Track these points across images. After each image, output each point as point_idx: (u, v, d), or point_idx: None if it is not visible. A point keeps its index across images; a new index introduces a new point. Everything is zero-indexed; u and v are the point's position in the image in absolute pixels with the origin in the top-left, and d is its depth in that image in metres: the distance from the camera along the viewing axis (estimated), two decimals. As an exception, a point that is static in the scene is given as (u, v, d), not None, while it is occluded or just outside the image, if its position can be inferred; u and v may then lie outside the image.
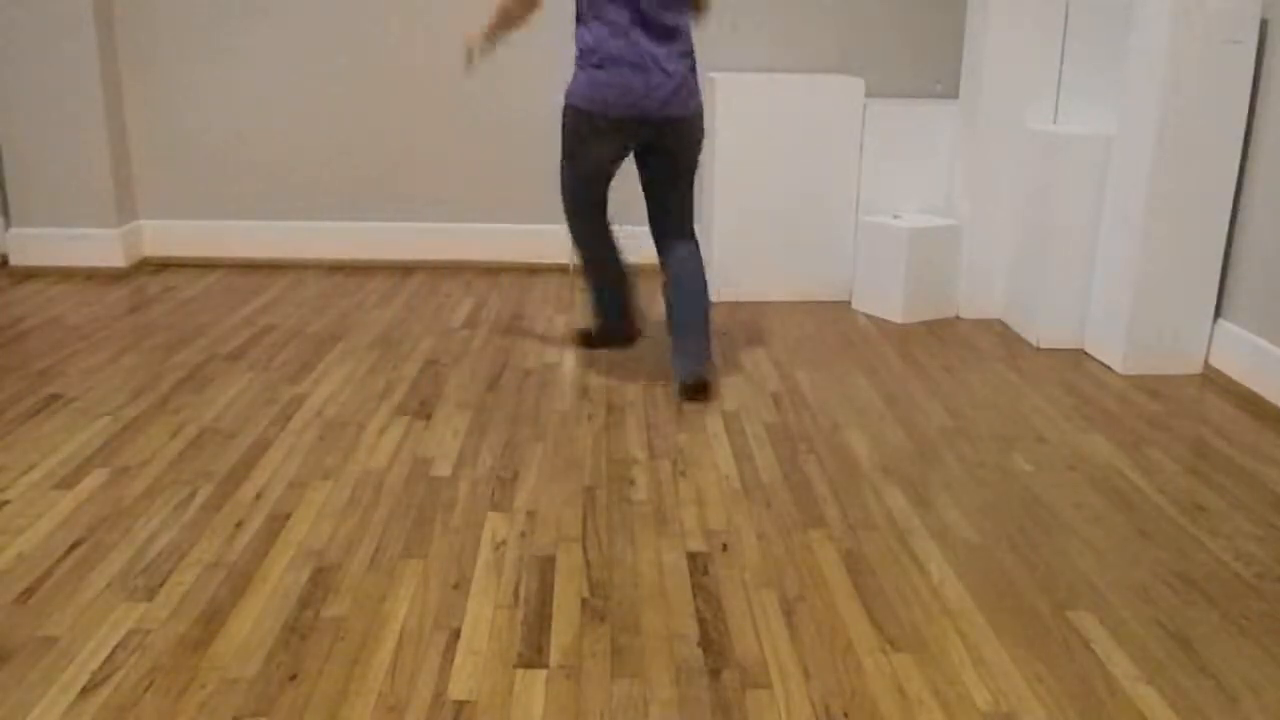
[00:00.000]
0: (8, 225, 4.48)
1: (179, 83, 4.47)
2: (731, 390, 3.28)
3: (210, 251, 4.65)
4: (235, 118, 4.51)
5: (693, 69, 3.05)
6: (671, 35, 2.98)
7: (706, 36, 4.43)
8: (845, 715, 1.80)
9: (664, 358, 3.56)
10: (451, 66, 4.45)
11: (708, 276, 3.18)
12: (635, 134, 3.04)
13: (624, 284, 3.40)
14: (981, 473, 2.75)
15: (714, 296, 4.25)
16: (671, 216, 3.21)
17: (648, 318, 3.99)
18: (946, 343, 3.80)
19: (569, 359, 3.53)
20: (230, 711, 1.79)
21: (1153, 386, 3.39)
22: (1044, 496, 2.62)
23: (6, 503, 2.49)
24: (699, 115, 3.08)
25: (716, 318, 4.01)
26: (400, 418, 3.02)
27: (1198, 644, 2.02)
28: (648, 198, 3.23)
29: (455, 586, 2.17)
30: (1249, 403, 3.26)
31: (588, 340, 3.59)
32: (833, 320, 4.04)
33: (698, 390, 3.16)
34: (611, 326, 3.51)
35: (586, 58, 3.00)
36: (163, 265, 4.63)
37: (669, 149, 3.09)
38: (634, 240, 3.54)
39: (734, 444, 2.89)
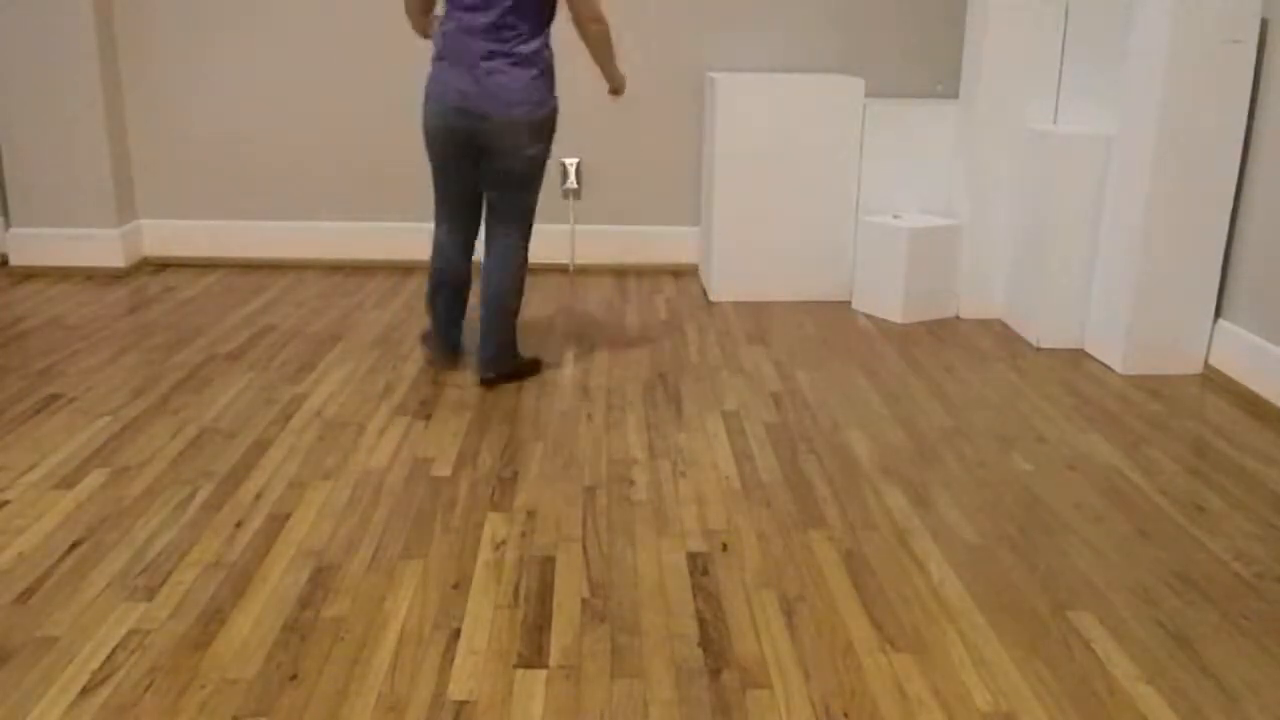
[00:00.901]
0: (8, 225, 4.48)
1: (179, 83, 4.47)
2: (731, 390, 3.28)
3: (210, 251, 4.65)
4: (235, 118, 4.52)
5: (533, 77, 2.98)
6: (505, 39, 2.95)
7: (706, 36, 4.44)
8: (845, 715, 1.80)
9: (662, 360, 3.56)
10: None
11: (525, 280, 3.25)
12: (458, 130, 3.03)
13: (453, 309, 3.37)
14: (981, 473, 2.75)
15: (714, 296, 4.25)
16: (493, 216, 3.18)
17: (635, 316, 4.00)
18: (946, 343, 3.80)
19: (569, 359, 3.53)
20: (230, 711, 1.79)
21: (1153, 386, 3.39)
22: (1044, 496, 2.62)
23: (6, 503, 2.49)
24: (524, 123, 3.00)
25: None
26: (400, 418, 3.02)
27: (1198, 644, 2.02)
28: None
29: (455, 586, 2.17)
30: (1249, 403, 3.26)
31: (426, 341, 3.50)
32: (833, 320, 4.04)
33: (486, 380, 3.25)
34: (440, 342, 3.43)
35: (435, 52, 3.07)
36: (163, 265, 4.63)
37: (490, 151, 3.05)
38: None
39: (734, 444, 2.89)
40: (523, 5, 2.93)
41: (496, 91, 2.96)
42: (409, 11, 3.13)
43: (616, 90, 3.21)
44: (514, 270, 3.19)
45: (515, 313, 3.22)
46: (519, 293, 3.22)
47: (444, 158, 3.13)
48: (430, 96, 3.07)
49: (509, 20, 2.93)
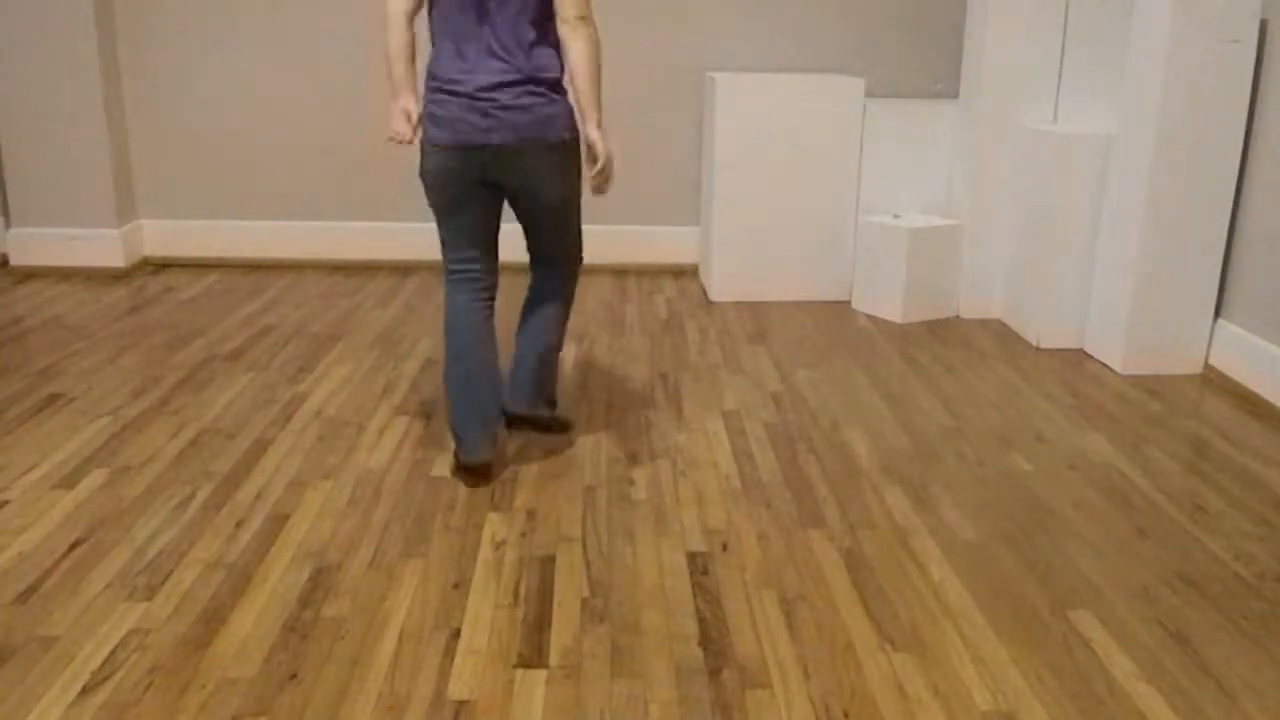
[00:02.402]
0: (8, 225, 4.48)
1: (179, 83, 4.47)
2: (731, 390, 3.28)
3: (210, 251, 4.65)
4: (235, 118, 4.51)
5: (548, 96, 2.51)
6: (513, 56, 2.48)
7: (706, 36, 4.44)
8: (845, 715, 1.80)
9: (662, 360, 3.56)
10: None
11: (568, 324, 2.73)
12: (480, 167, 2.52)
13: (486, 394, 2.66)
14: (981, 472, 2.75)
15: (714, 296, 4.25)
16: (537, 257, 2.74)
17: (635, 316, 4.00)
18: (946, 343, 3.80)
19: (569, 359, 3.53)
20: (230, 711, 1.79)
21: (1153, 386, 3.39)
22: (1044, 496, 2.62)
23: (6, 503, 2.49)
24: (554, 145, 2.52)
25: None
26: (400, 418, 3.02)
27: (1198, 644, 2.02)
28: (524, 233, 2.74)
29: (455, 586, 2.17)
30: (1249, 403, 3.26)
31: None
32: (833, 320, 4.04)
33: (524, 421, 2.82)
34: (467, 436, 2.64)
35: (427, 85, 2.56)
36: (163, 265, 4.63)
37: (519, 183, 2.56)
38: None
39: (734, 444, 2.89)
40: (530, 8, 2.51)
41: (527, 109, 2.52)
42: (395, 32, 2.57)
43: (604, 169, 2.56)
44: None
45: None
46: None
47: (456, 187, 2.58)
48: (436, 134, 2.54)
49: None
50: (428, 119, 2.55)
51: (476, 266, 2.65)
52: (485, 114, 2.48)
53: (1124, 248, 3.48)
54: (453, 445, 2.74)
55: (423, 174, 2.60)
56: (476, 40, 2.49)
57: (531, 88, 2.50)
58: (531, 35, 2.50)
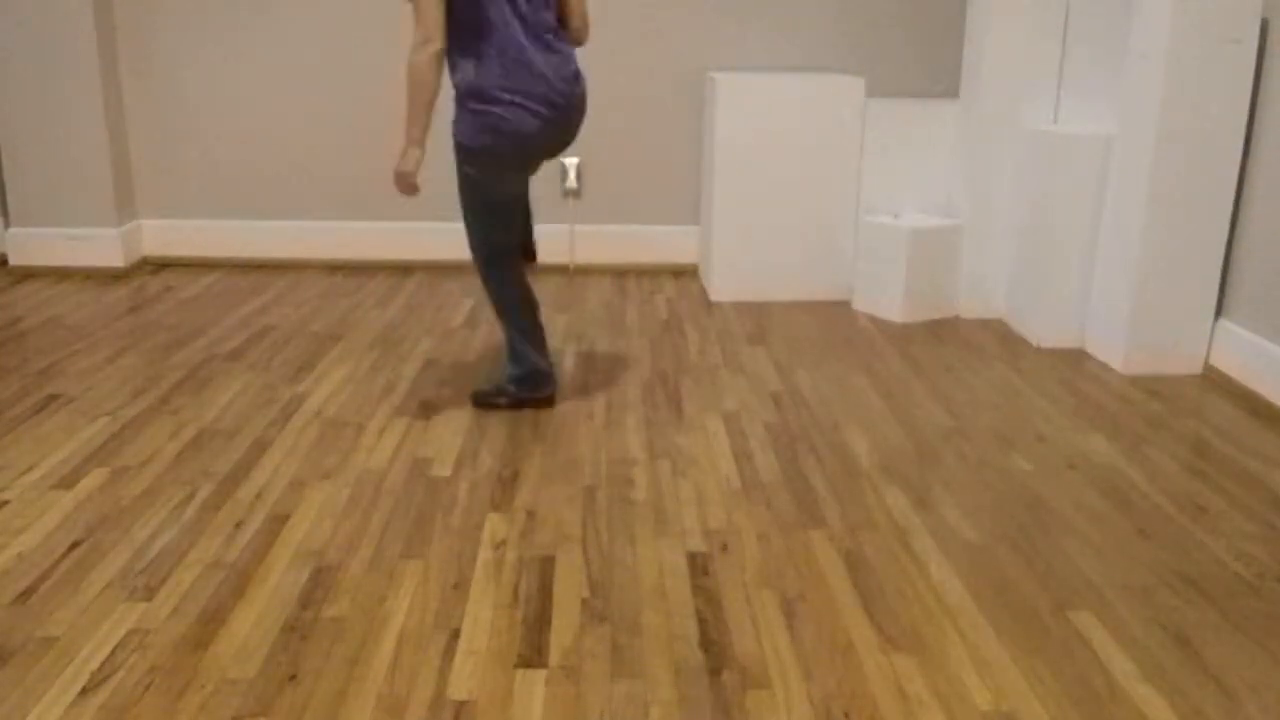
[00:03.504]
0: (7, 225, 4.48)
1: (179, 83, 4.47)
2: (731, 390, 3.28)
3: (210, 251, 4.65)
4: (235, 117, 4.51)
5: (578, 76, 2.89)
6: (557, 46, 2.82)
7: (706, 35, 4.44)
8: (845, 715, 1.80)
9: (662, 359, 3.56)
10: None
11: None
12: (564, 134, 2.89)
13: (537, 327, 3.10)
14: (981, 472, 2.75)
15: (714, 296, 4.25)
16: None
17: (635, 316, 4.00)
18: (946, 343, 3.80)
19: (569, 359, 3.53)
20: (230, 711, 1.79)
21: (1153, 386, 3.39)
22: (1044, 496, 2.62)
23: (6, 503, 2.49)
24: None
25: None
26: (400, 418, 3.02)
27: (1198, 644, 2.02)
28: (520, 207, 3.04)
29: (455, 586, 2.17)
30: (1249, 403, 3.26)
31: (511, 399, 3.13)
32: (833, 320, 4.04)
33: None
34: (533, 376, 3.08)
35: (475, 95, 2.74)
36: (162, 265, 4.63)
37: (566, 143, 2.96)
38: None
39: (734, 444, 2.89)
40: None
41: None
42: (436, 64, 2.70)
43: None
44: None
45: None
46: None
47: (528, 170, 2.94)
48: (503, 135, 2.77)
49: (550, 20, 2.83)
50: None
51: None
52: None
53: (1124, 248, 3.48)
54: (513, 391, 3.07)
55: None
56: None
57: None
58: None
